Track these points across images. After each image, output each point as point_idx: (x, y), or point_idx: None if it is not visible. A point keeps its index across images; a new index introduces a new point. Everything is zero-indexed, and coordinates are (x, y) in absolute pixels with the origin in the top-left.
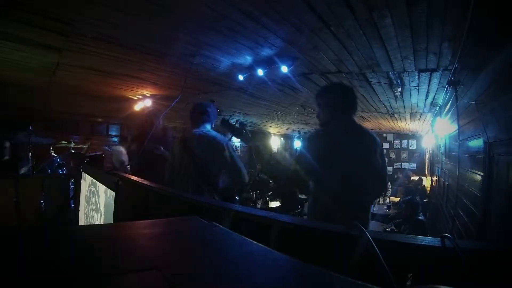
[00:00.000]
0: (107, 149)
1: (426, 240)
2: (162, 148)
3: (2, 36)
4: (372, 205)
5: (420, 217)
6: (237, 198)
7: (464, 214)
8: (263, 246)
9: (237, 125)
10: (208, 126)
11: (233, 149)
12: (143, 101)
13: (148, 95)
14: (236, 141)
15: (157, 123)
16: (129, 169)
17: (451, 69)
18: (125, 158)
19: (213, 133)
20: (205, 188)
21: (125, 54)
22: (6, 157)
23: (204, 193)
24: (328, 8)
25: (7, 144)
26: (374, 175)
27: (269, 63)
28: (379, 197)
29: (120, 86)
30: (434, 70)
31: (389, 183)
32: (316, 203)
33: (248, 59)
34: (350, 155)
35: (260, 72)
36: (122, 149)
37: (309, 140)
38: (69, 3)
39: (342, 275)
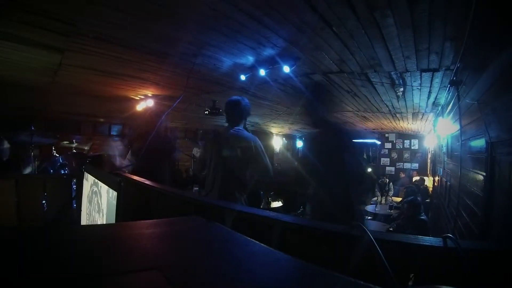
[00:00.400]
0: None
1: (428, 240)
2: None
3: (3, 36)
4: (374, 205)
5: (422, 217)
6: (262, 192)
7: (466, 214)
8: (265, 246)
9: None
10: (241, 124)
11: (260, 147)
12: (145, 101)
13: (150, 95)
14: None
15: (159, 123)
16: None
17: (453, 69)
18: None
19: (242, 131)
20: (232, 185)
21: (127, 54)
22: (5, 158)
23: (232, 189)
24: (330, 8)
25: (7, 145)
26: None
27: (271, 63)
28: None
29: (122, 86)
30: (436, 70)
31: (391, 183)
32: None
33: (250, 59)
34: (333, 157)
35: (262, 72)
36: (118, 144)
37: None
38: (69, 3)
39: (344, 275)
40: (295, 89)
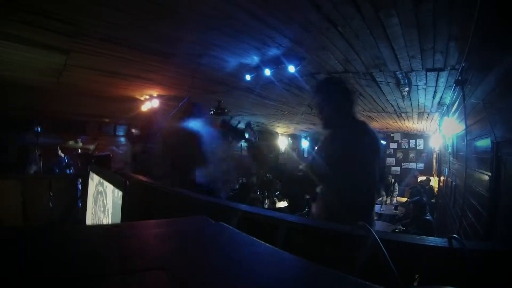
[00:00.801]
0: (115, 149)
1: (433, 240)
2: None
3: (8, 37)
4: (379, 205)
5: (427, 217)
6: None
7: (471, 214)
8: (270, 246)
9: (240, 125)
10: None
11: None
12: (150, 102)
13: (155, 95)
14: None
15: (163, 123)
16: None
17: (458, 68)
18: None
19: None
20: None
21: (131, 55)
22: (12, 158)
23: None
24: (334, 7)
25: (12, 146)
26: (376, 177)
27: (276, 63)
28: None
29: (127, 87)
30: (441, 70)
31: (396, 183)
32: (328, 206)
33: (255, 59)
34: (363, 157)
35: (267, 72)
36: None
37: (324, 141)
38: (69, 3)
39: (349, 275)
40: (300, 89)
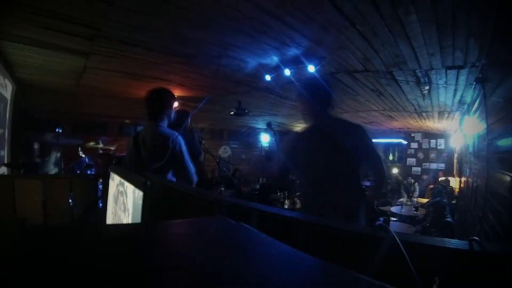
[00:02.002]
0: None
1: (453, 243)
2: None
3: (30, 42)
4: (400, 206)
5: (447, 219)
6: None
7: (492, 216)
8: (290, 247)
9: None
10: (161, 121)
11: (180, 144)
12: None
13: (175, 96)
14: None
15: (184, 125)
16: None
17: (479, 66)
18: None
19: (162, 127)
20: None
21: (152, 57)
22: (36, 158)
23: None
24: (353, 6)
25: (36, 145)
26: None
27: (296, 62)
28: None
29: (147, 88)
30: (462, 67)
31: (416, 183)
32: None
33: (274, 59)
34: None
35: (287, 72)
36: None
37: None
38: (93, 9)
39: (368, 277)
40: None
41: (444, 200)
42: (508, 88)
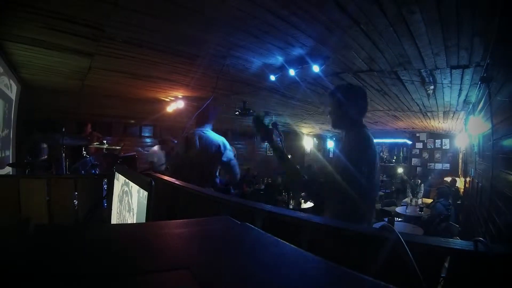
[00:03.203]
0: (141, 150)
1: (458, 243)
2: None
3: (34, 42)
4: (405, 207)
5: (450, 222)
6: (232, 191)
7: (497, 217)
8: (294, 247)
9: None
10: (208, 126)
11: (229, 148)
12: (175, 103)
13: (180, 96)
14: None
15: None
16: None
17: (483, 65)
18: (157, 158)
19: (210, 132)
20: (203, 184)
21: (156, 57)
22: (44, 157)
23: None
24: (357, 5)
25: (45, 145)
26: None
27: (301, 62)
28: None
29: (152, 88)
30: (466, 67)
31: (422, 184)
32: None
33: (279, 59)
34: (376, 160)
35: (291, 72)
36: (155, 149)
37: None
38: (97, 10)
39: (373, 277)
40: (325, 89)
41: (449, 201)
42: None
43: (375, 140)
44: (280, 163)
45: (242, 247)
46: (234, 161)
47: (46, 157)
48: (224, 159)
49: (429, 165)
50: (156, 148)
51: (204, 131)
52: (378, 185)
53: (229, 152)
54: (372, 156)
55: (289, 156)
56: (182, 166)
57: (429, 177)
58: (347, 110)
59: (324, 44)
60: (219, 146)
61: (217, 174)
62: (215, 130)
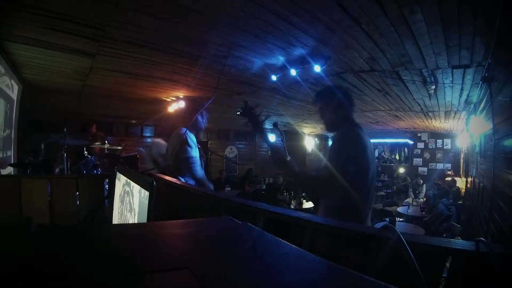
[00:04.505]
0: (142, 150)
1: (460, 243)
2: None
3: (36, 43)
4: (407, 207)
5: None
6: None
7: (499, 217)
8: (295, 247)
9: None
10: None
11: (187, 140)
12: (176, 103)
13: (181, 96)
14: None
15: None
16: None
17: (485, 65)
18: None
19: (178, 131)
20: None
21: (158, 57)
22: (46, 157)
23: None
24: (358, 5)
25: (42, 145)
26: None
27: (302, 62)
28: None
29: (153, 88)
30: (468, 66)
31: (424, 184)
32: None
33: (280, 59)
34: (371, 157)
35: (293, 72)
36: (161, 141)
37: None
38: (99, 10)
39: (374, 277)
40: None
41: (451, 201)
42: None
43: (375, 140)
44: (273, 159)
45: (243, 247)
46: (189, 159)
47: (47, 157)
48: (182, 155)
49: (431, 165)
50: (160, 139)
51: (178, 131)
52: (371, 180)
53: (188, 149)
54: (350, 153)
55: (288, 158)
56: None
57: (435, 176)
58: (325, 113)
59: (325, 44)
60: (178, 143)
61: (187, 172)
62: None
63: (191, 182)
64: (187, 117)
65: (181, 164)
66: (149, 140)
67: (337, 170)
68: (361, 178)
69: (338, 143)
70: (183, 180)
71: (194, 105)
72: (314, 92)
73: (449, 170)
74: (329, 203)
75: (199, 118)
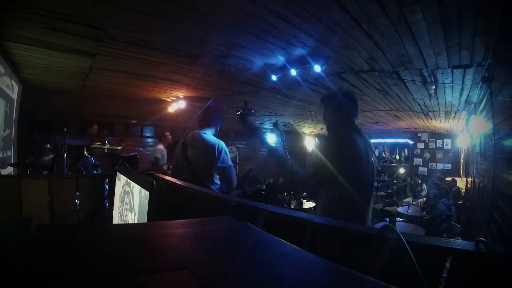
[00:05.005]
0: (142, 150)
1: (460, 243)
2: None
3: (36, 43)
4: (407, 207)
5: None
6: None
7: (499, 217)
8: (296, 247)
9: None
10: (208, 129)
11: (225, 152)
12: (177, 103)
13: (181, 96)
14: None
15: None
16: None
17: (485, 65)
18: (161, 155)
19: (207, 135)
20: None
21: (158, 57)
22: (47, 157)
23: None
24: (359, 5)
25: (48, 145)
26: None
27: (302, 62)
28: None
29: (153, 88)
30: (468, 66)
31: (424, 184)
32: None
33: (280, 59)
34: (365, 158)
35: (293, 72)
36: (160, 147)
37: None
38: (99, 10)
39: (374, 277)
40: (327, 89)
41: (451, 201)
42: None
43: (375, 140)
44: (272, 160)
45: (243, 247)
46: (230, 167)
47: (47, 157)
48: (219, 164)
49: (431, 165)
50: (161, 146)
51: (201, 133)
52: (369, 178)
53: (225, 157)
54: (339, 156)
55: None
56: (178, 170)
57: (438, 175)
58: (325, 116)
59: (325, 44)
60: (214, 150)
61: (215, 179)
62: (218, 130)
63: (218, 187)
64: (213, 119)
65: (217, 172)
66: (144, 148)
67: (317, 166)
68: (356, 177)
69: (322, 147)
70: (213, 188)
71: (218, 105)
72: (314, 92)
73: (442, 175)
74: (323, 202)
75: (221, 119)
